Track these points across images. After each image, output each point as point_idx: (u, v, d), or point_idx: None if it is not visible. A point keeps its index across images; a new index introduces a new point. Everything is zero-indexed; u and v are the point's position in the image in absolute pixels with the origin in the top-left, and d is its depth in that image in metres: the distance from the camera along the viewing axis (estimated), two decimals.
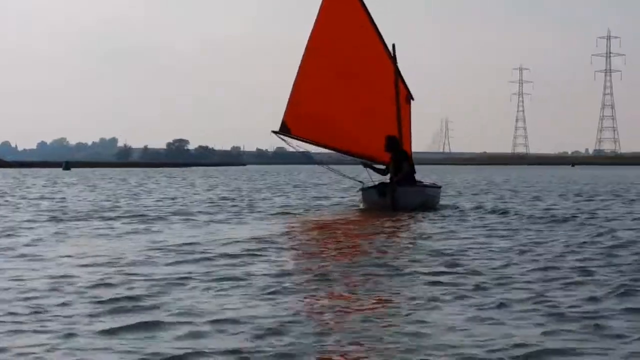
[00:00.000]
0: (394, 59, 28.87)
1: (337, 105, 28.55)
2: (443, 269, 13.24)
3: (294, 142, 29.47)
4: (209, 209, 29.81)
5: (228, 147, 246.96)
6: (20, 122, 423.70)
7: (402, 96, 28.57)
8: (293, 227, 23.48)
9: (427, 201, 27.87)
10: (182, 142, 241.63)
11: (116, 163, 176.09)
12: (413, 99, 29.48)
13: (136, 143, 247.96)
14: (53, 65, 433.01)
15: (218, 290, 11.50)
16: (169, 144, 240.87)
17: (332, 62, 28.59)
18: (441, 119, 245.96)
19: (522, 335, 8.95)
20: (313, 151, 31.27)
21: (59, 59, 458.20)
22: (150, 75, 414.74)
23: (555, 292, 11.11)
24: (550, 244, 17.65)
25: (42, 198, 39.93)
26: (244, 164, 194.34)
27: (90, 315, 9.85)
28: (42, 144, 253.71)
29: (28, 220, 24.60)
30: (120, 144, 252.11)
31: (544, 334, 8.85)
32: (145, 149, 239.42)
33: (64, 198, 39.50)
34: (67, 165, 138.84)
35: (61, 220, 24.87)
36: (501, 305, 10.24)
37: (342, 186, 39.04)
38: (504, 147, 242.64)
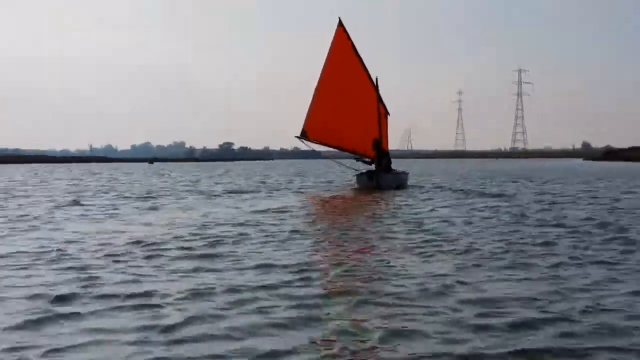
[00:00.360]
0: (376, 88, 28.81)
1: (339, 118, 28.36)
2: (406, 226, 13.43)
3: (310, 144, 29.44)
4: (255, 188, 29.52)
5: (261, 147, 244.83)
6: (118, 131, 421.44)
7: (382, 113, 28.68)
8: (308, 199, 23.63)
9: (400, 183, 28.04)
10: (229, 144, 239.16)
11: (184, 159, 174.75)
12: (389, 114, 29.37)
13: (198, 145, 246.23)
14: (146, 91, 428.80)
15: (270, 239, 11.91)
16: (220, 145, 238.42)
17: (336, 90, 28.34)
18: (405, 128, 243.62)
19: (444, 265, 9.35)
20: (321, 149, 30.88)
21: (146, 88, 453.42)
22: (205, 99, 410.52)
23: (480, 240, 11.26)
24: (480, 211, 17.63)
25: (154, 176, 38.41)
26: (272, 159, 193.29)
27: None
28: (133, 146, 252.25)
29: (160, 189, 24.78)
30: (187, 145, 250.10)
31: (458, 268, 8.93)
32: (204, 149, 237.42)
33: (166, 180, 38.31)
34: (152, 161, 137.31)
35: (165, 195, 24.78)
36: (441, 252, 10.29)
37: (342, 173, 38.88)
38: (449, 145, 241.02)
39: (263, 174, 55.80)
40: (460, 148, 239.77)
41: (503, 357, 5.16)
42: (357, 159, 29.47)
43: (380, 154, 27.77)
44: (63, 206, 19.60)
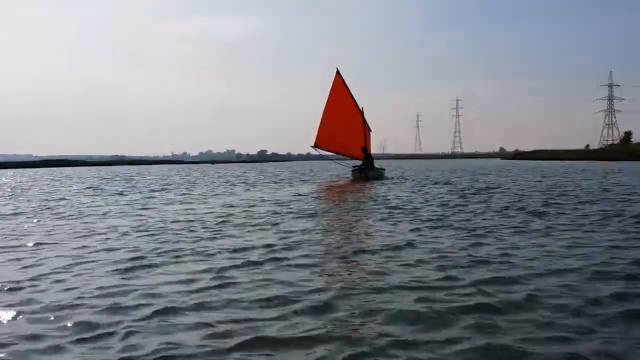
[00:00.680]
0: (362, 113, 28.83)
1: (339, 134, 28.30)
2: (387, 208, 12.99)
3: (320, 151, 29.12)
4: (277, 180, 29.40)
5: (285, 153, 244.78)
6: (190, 141, 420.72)
7: (367, 130, 28.72)
8: (322, 185, 23.29)
9: (380, 175, 27.95)
10: (264, 150, 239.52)
11: (234, 161, 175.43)
12: (371, 130, 29.16)
13: (243, 151, 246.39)
14: (207, 114, 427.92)
15: (290, 216, 12.00)
16: (258, 152, 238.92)
17: (337, 115, 28.38)
18: (381, 139, 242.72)
19: (405, 227, 9.58)
20: (327, 154, 30.25)
21: (207, 112, 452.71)
22: (246, 119, 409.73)
23: (450, 216, 10.89)
24: (439, 194, 17.63)
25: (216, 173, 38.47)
26: (292, 160, 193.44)
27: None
28: (200, 153, 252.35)
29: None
30: (236, 152, 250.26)
31: (417, 229, 9.35)
32: (247, 154, 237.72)
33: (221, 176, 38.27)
34: (213, 162, 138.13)
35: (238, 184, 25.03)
36: (404, 220, 10.45)
37: (342, 170, 39.20)
38: (410, 150, 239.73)
39: (292, 170, 55.02)
40: (418, 152, 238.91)
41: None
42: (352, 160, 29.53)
43: (367, 157, 27.90)
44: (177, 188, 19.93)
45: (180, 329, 4.15)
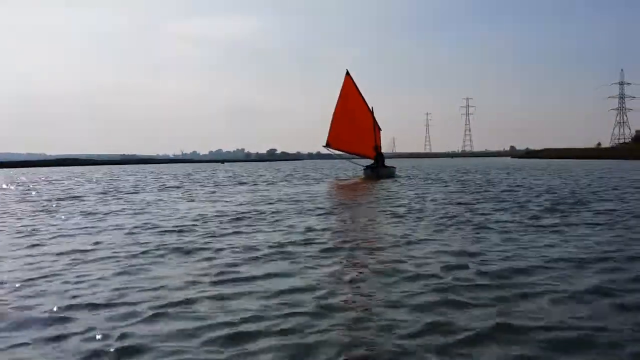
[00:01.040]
0: (372, 113, 29.01)
1: (350, 133, 28.46)
2: (397, 206, 13.19)
3: (332, 150, 29.21)
4: (289, 180, 29.32)
5: (294, 151, 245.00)
6: (200, 140, 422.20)
7: (377, 129, 28.82)
8: (331, 185, 23.27)
9: (391, 174, 28.13)
10: (273, 150, 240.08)
11: (244, 160, 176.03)
12: (381, 130, 29.15)
13: (252, 150, 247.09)
14: (219, 114, 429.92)
15: (301, 213, 11.92)
16: (267, 150, 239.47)
17: (347, 115, 28.62)
18: (391, 137, 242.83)
19: (414, 225, 9.71)
20: (338, 153, 30.16)
21: (219, 112, 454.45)
22: (257, 119, 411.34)
23: (453, 210, 11.41)
24: (446, 192, 17.65)
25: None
26: (302, 159, 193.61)
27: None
28: (210, 151, 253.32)
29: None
30: (245, 150, 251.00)
31: (425, 227, 9.38)
32: (257, 153, 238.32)
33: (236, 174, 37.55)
34: (223, 161, 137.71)
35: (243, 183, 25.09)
36: (414, 218, 10.56)
37: (357, 168, 39.11)
38: (420, 148, 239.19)
39: (304, 169, 54.77)
40: (427, 150, 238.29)
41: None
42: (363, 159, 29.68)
43: (378, 156, 28.12)
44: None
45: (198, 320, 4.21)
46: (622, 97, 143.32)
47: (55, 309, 4.55)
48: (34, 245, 7.81)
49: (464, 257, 6.36)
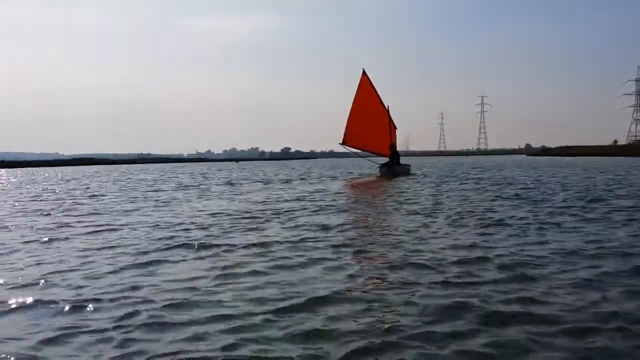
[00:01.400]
0: (388, 111, 29.11)
1: (366, 131, 28.55)
2: (408, 199, 13.34)
3: (349, 148, 29.40)
4: (305, 178, 29.50)
5: (308, 150, 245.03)
6: (214, 140, 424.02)
7: (392, 127, 28.90)
8: (346, 183, 23.20)
9: (406, 172, 28.26)
10: (287, 148, 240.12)
11: (258, 158, 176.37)
12: (396, 128, 29.23)
13: (267, 148, 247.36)
14: (233, 114, 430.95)
15: (316, 211, 12.19)
16: (282, 149, 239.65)
17: (363, 113, 28.67)
18: (404, 136, 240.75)
19: (432, 222, 9.68)
20: (354, 151, 30.33)
21: (233, 112, 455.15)
22: (271, 118, 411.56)
23: (469, 207, 11.49)
24: (452, 191, 17.76)
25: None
26: (316, 158, 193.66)
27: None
28: (224, 150, 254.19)
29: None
30: (259, 149, 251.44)
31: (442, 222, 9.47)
32: (271, 152, 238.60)
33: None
34: (237, 160, 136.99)
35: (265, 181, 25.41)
36: (428, 214, 10.62)
37: (372, 166, 38.96)
38: (434, 147, 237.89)
39: (319, 167, 54.68)
40: (442, 149, 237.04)
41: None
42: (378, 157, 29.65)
43: (393, 154, 28.20)
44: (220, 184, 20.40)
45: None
46: (638, 94, 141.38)
47: (68, 303, 4.56)
48: (51, 240, 7.96)
49: (477, 250, 6.40)
